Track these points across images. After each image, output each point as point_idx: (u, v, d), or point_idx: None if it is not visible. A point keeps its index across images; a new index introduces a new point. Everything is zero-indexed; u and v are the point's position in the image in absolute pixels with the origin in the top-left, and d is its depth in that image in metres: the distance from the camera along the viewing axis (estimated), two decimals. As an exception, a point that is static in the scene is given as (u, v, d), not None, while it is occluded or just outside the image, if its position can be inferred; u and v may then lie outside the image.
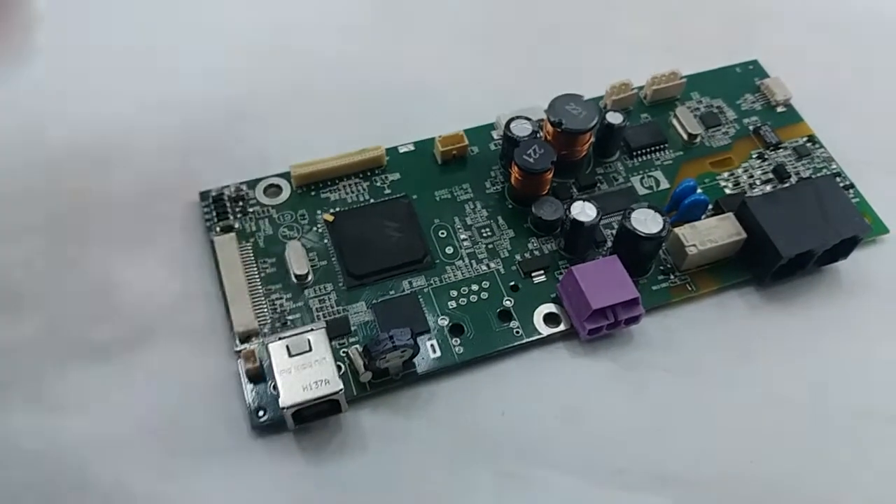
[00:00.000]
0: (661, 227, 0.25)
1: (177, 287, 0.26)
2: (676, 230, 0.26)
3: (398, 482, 0.23)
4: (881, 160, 0.31)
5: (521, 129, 0.28)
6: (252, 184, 0.28)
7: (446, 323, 0.25)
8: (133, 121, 0.30)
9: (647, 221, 0.25)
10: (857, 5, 0.36)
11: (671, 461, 0.24)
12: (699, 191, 0.27)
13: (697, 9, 0.36)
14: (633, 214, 0.25)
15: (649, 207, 0.25)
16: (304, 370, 0.22)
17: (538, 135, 0.28)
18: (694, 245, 0.25)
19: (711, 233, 0.26)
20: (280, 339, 0.23)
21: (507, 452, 0.23)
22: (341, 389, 0.22)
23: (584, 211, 0.26)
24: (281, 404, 0.22)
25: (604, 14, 0.36)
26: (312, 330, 0.23)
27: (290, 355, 0.22)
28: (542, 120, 0.28)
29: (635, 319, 0.25)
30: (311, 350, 0.22)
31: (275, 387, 0.22)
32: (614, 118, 0.28)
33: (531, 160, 0.26)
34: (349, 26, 0.35)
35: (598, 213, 0.25)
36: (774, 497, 0.23)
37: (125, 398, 0.24)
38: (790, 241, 0.25)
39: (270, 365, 0.22)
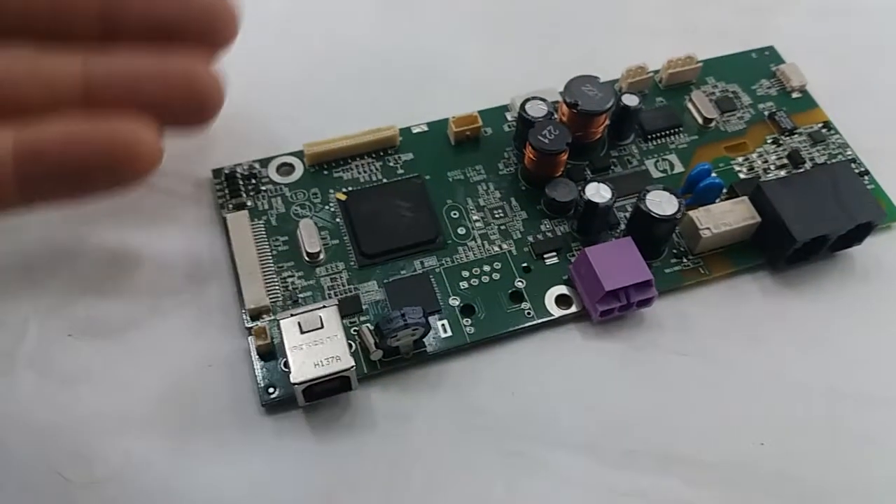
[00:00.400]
0: (676, 208, 0.24)
1: (188, 264, 0.26)
2: (690, 213, 0.26)
3: (407, 460, 0.23)
4: (893, 148, 0.30)
5: (536, 110, 0.27)
6: (265, 162, 0.28)
7: (457, 303, 0.25)
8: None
9: (661, 203, 0.24)
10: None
11: (682, 443, 0.23)
12: (714, 174, 0.27)
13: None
14: (649, 196, 0.25)
15: (664, 189, 0.25)
16: (315, 347, 0.22)
17: (553, 116, 0.27)
18: (708, 228, 0.25)
19: (725, 216, 0.26)
20: (292, 315, 0.23)
21: (516, 433, 0.23)
22: (352, 366, 0.22)
23: (598, 192, 0.25)
24: (292, 380, 0.22)
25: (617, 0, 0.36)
26: (324, 307, 0.23)
27: (302, 332, 0.22)
28: (556, 102, 0.28)
29: (648, 302, 0.25)
30: (322, 327, 0.22)
31: (286, 363, 0.22)
32: (630, 100, 0.28)
33: (546, 141, 0.26)
34: (365, 5, 0.34)
35: (612, 195, 0.25)
36: (784, 480, 0.23)
37: (136, 374, 0.24)
38: (804, 226, 0.25)
39: (282, 341, 0.22)
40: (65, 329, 0.25)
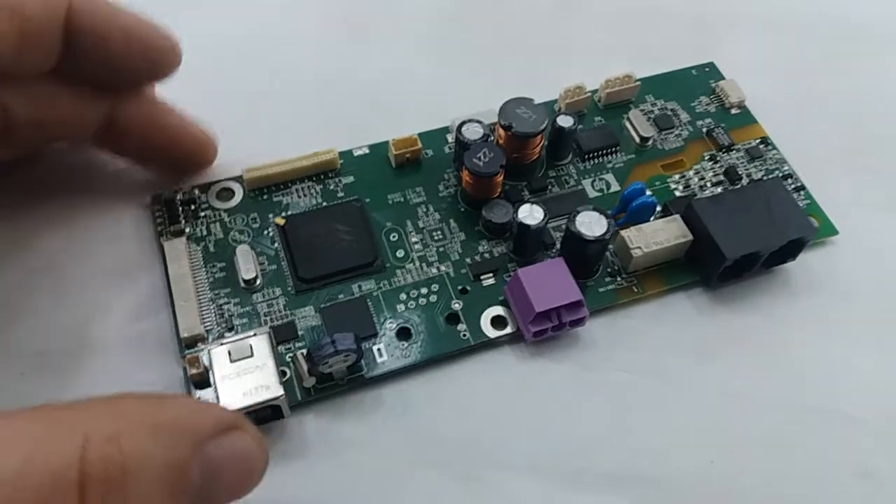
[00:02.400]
0: (605, 229, 0.25)
1: (127, 291, 0.26)
2: (622, 232, 0.26)
3: (339, 488, 0.23)
4: (834, 162, 0.31)
5: (473, 133, 0.28)
6: (205, 187, 0.28)
7: (394, 326, 0.25)
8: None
9: (591, 224, 0.25)
10: (812, 8, 0.37)
11: (628, 461, 0.24)
12: (648, 193, 0.27)
13: (656, 13, 0.36)
14: (578, 217, 0.25)
15: (594, 210, 0.25)
16: (245, 376, 0.22)
17: (489, 138, 0.28)
18: (639, 247, 0.26)
19: (657, 235, 0.26)
20: (222, 344, 0.23)
21: (455, 457, 0.24)
22: (282, 395, 0.22)
23: (531, 214, 0.26)
24: (220, 410, 0.22)
25: (563, 19, 0.36)
26: (255, 335, 0.23)
27: (232, 360, 0.22)
28: (495, 123, 0.28)
29: (580, 321, 0.25)
30: (252, 355, 0.22)
31: (216, 392, 0.22)
32: (565, 121, 0.28)
33: (480, 163, 0.26)
34: (306, 32, 0.35)
35: (544, 216, 0.25)
36: (733, 494, 0.23)
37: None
38: (735, 243, 0.25)
39: (212, 370, 0.22)
40: (18, 367, 0.25)
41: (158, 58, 0.25)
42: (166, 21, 0.33)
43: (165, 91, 0.30)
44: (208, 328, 0.25)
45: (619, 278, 0.27)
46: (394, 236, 0.28)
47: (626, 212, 0.27)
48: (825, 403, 0.25)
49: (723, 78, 0.33)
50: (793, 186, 0.29)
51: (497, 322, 0.26)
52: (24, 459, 0.15)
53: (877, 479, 0.24)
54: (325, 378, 0.24)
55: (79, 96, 0.25)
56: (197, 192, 0.28)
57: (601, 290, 0.26)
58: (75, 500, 0.15)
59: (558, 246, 0.27)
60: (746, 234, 0.26)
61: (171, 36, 0.25)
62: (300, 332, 0.25)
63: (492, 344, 0.25)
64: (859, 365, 0.26)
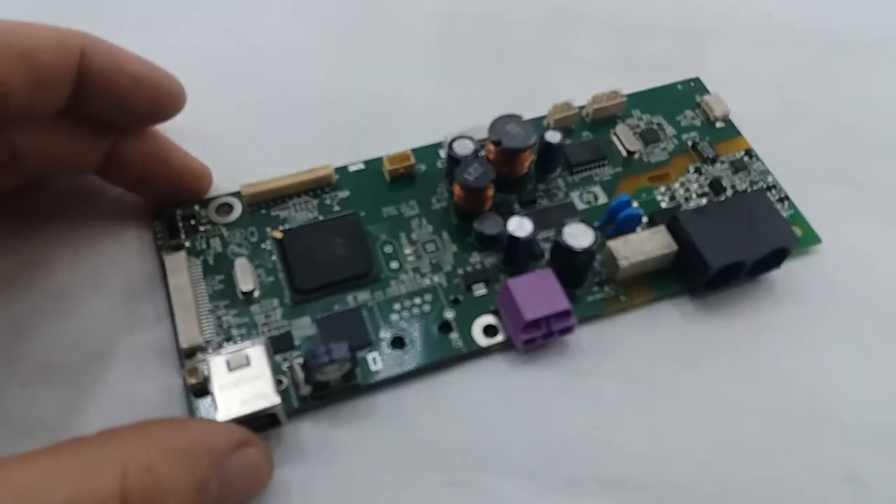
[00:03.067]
0: (591, 241, 0.25)
1: (130, 304, 0.27)
2: (609, 243, 0.27)
3: (335, 493, 0.23)
4: (817, 172, 0.32)
5: (463, 148, 0.29)
6: (204, 203, 0.29)
7: (388, 336, 0.26)
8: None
9: (578, 236, 0.25)
10: (795, 22, 0.38)
11: (619, 466, 0.24)
12: (635, 205, 0.28)
13: (643, 29, 0.37)
14: (566, 229, 0.26)
15: (581, 222, 0.26)
16: (242, 385, 0.23)
17: (480, 153, 0.29)
18: (626, 258, 0.26)
19: (643, 245, 0.27)
20: (220, 354, 0.23)
21: (448, 463, 0.24)
22: (279, 404, 0.23)
23: (521, 226, 0.26)
24: (218, 418, 0.22)
25: (552, 38, 0.37)
26: (252, 345, 0.24)
27: (230, 370, 0.23)
28: (486, 139, 0.29)
29: (569, 330, 0.26)
30: (249, 365, 0.23)
31: (214, 402, 0.23)
32: (552, 137, 0.29)
33: (470, 178, 0.27)
34: (302, 50, 0.35)
35: (533, 229, 0.26)
36: (722, 499, 0.24)
37: (79, 416, 0.25)
38: (719, 253, 0.26)
39: (211, 380, 0.23)
40: (21, 378, 0.25)
41: (165, 102, 0.26)
42: (165, 36, 0.34)
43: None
44: (207, 339, 0.26)
45: (606, 287, 0.27)
46: (388, 248, 0.28)
47: (613, 223, 0.28)
48: (811, 409, 0.26)
49: (708, 92, 0.34)
50: (776, 197, 0.30)
51: (488, 331, 0.26)
52: (71, 492, 0.17)
53: (863, 484, 0.24)
54: (320, 386, 0.24)
55: (84, 133, 0.26)
56: (196, 207, 0.29)
57: (589, 299, 0.27)
58: None
59: (548, 257, 0.28)
60: (730, 244, 0.26)
61: (177, 81, 0.27)
62: (297, 342, 0.26)
63: (484, 352, 0.26)
64: (844, 370, 0.27)
